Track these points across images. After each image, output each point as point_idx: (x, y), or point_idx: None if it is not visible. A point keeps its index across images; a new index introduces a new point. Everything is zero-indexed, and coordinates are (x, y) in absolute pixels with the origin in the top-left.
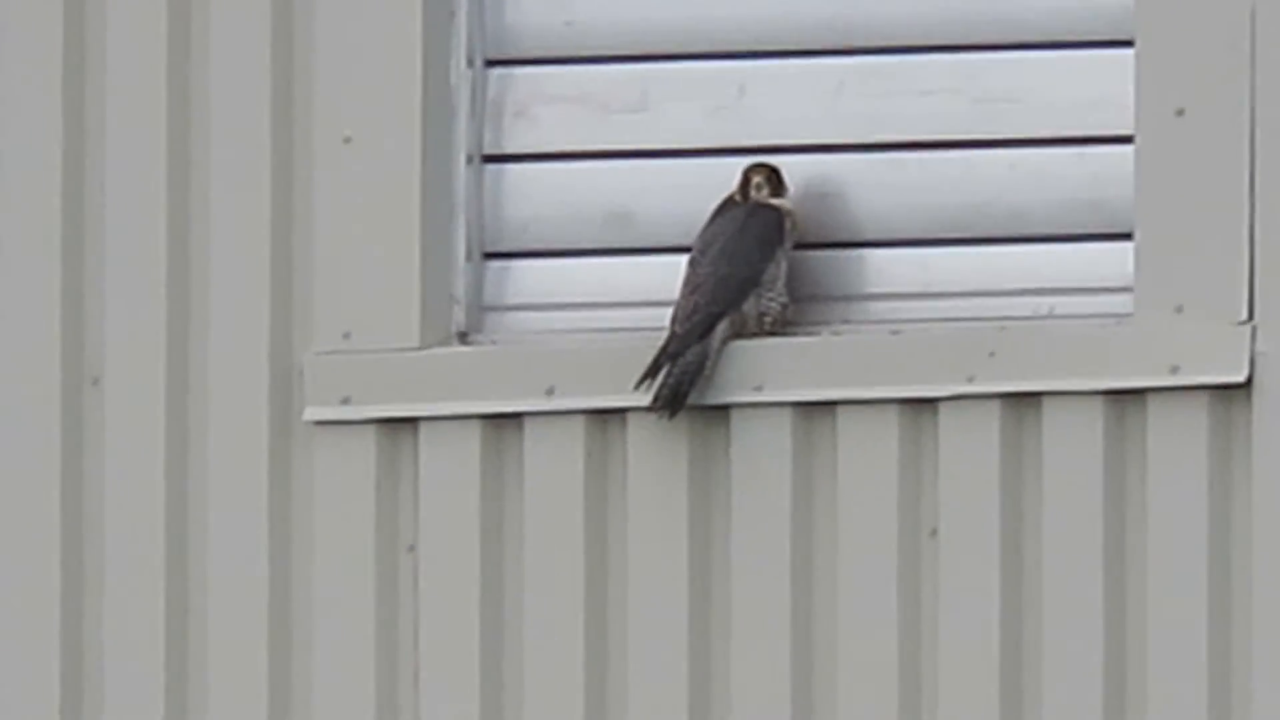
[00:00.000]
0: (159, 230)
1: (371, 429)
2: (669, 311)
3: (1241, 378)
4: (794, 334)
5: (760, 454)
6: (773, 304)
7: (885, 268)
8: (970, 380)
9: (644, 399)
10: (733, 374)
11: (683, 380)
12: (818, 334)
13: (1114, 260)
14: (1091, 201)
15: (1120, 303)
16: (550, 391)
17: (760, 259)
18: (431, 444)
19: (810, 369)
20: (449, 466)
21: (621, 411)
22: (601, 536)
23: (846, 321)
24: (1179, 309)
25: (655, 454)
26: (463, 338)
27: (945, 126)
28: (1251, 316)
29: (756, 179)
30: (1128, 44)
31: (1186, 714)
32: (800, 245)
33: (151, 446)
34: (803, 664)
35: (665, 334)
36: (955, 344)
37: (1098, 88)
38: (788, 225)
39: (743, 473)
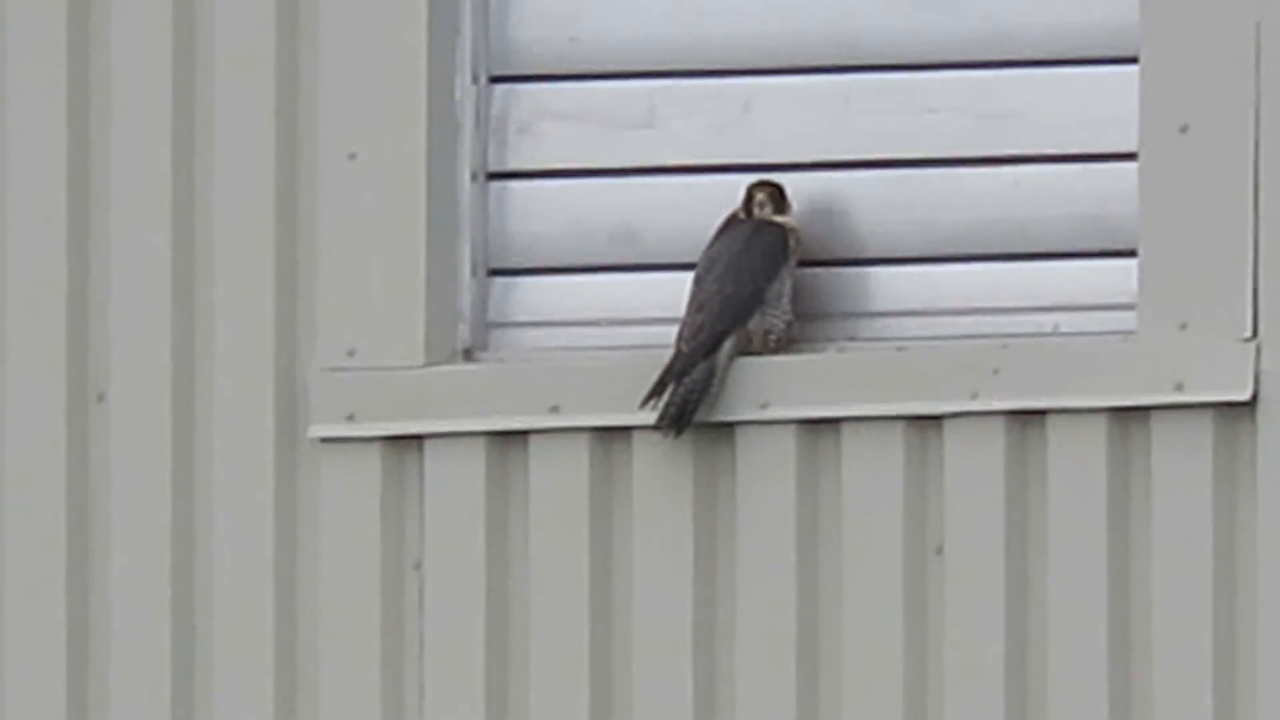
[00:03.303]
0: (164, 246)
1: (377, 446)
2: (675, 329)
3: (1246, 395)
4: (799, 351)
5: (765, 471)
6: (777, 321)
7: (890, 285)
8: (974, 397)
9: (650, 417)
10: (738, 391)
11: (689, 399)
12: (823, 351)
13: (1118, 277)
14: (1096, 218)
15: (1124, 320)
16: (555, 409)
17: (765, 276)
18: (437, 461)
19: (815, 386)
20: (454, 484)
21: (627, 429)
22: (606, 554)
23: (851, 339)
24: (1183, 326)
25: (660, 471)
26: (468, 355)
27: (950, 143)
28: (1256, 334)
29: (759, 196)
30: (1132, 61)
31: None
32: (805, 262)
33: (157, 462)
34: (808, 681)
35: (671, 352)
36: (959, 361)
37: (1102, 105)
38: (792, 242)
39: (748, 490)
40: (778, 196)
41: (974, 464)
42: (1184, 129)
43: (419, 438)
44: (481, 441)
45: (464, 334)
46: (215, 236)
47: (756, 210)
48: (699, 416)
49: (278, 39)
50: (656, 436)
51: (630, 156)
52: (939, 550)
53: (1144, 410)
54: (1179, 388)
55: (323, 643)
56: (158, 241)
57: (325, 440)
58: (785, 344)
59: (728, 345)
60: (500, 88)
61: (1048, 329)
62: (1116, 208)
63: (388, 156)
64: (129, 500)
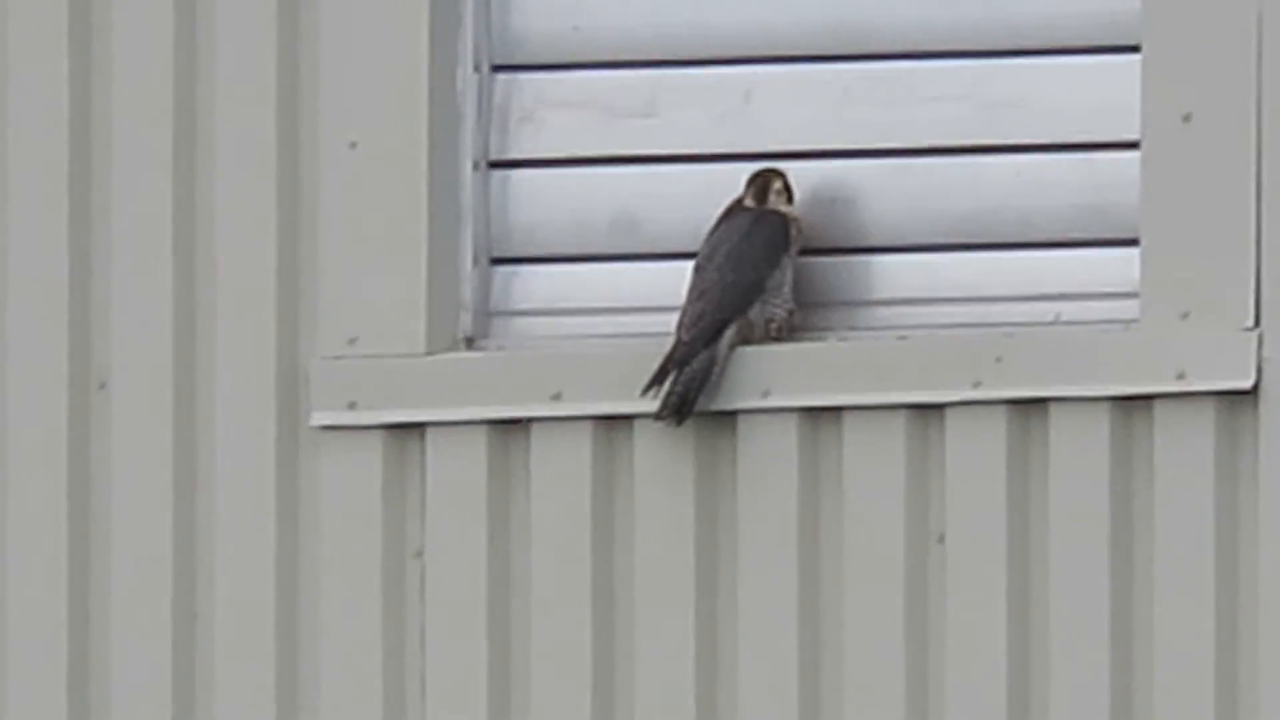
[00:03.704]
0: (165, 235)
1: (378, 434)
2: (676, 317)
3: (1248, 384)
4: (801, 340)
5: (767, 460)
6: (779, 310)
7: (891, 273)
8: (976, 386)
9: (651, 405)
10: (740, 380)
11: (690, 387)
12: (824, 340)
13: (1120, 266)
14: (1098, 207)
15: (1126, 309)
16: (557, 397)
17: (766, 265)
18: (438, 449)
19: (817, 375)
20: (456, 472)
21: (628, 417)
22: (608, 542)
23: (853, 327)
24: (1185, 315)
25: (662, 459)
26: (469, 343)
27: (951, 132)
28: (1258, 322)
29: (778, 184)
30: (1134, 50)
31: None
32: (806, 251)
33: (158, 451)
34: (810, 670)
35: (672, 340)
36: (961, 350)
37: (1104, 93)
38: (793, 231)
39: (749, 478)
40: (788, 185)
41: (976, 452)
42: (1186, 118)
43: (420, 426)
44: (483, 430)
45: (465, 322)
46: (217, 224)
47: (774, 198)
48: (700, 405)
49: (279, 27)
50: (658, 425)
51: (631, 145)
52: (940, 539)
53: (1146, 399)
54: (1181, 376)
55: (324, 631)
56: (159, 229)
57: (326, 428)
58: (786, 332)
59: (729, 334)
60: (502, 76)
61: (1049, 318)
62: (1118, 196)
63: (389, 145)
64: (130, 488)
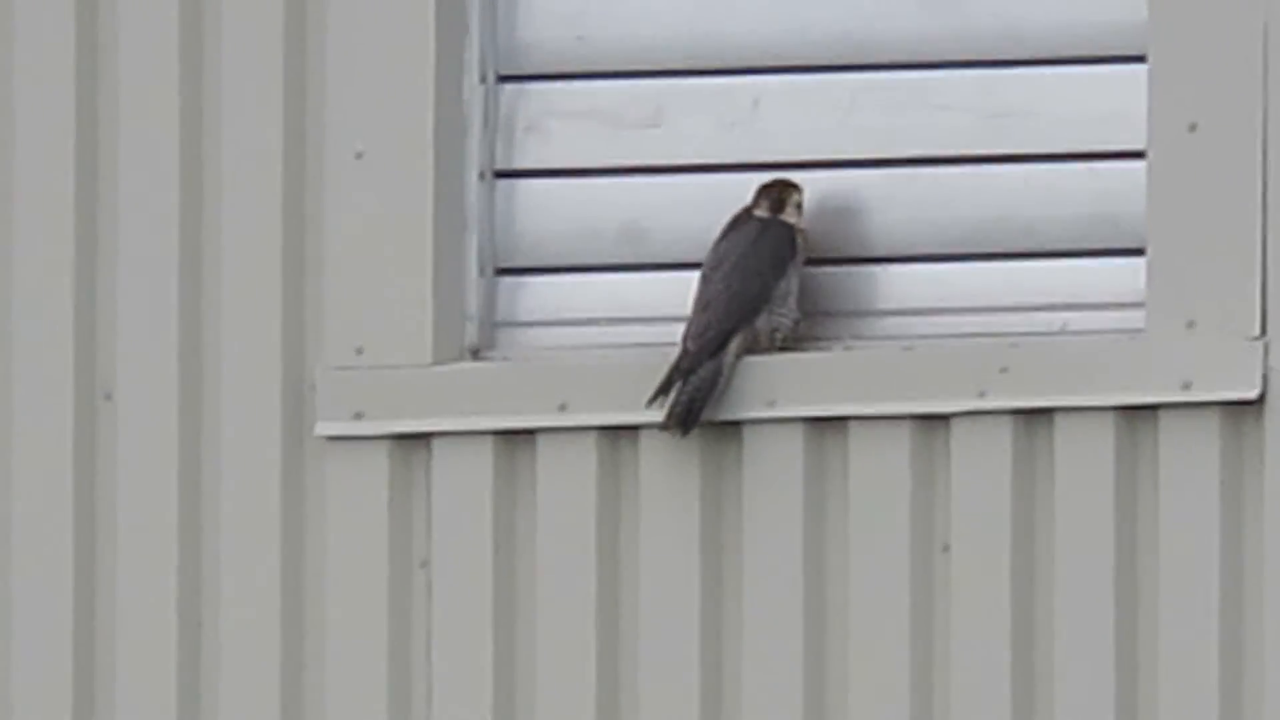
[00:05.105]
0: (171, 245)
1: (384, 445)
2: (682, 327)
3: (1254, 394)
4: (806, 350)
5: (772, 469)
6: (784, 320)
7: (898, 283)
8: (982, 396)
9: (657, 415)
10: (745, 389)
11: (696, 398)
12: (830, 350)
13: (1126, 276)
14: (1104, 217)
15: (1132, 318)
16: (563, 407)
17: (772, 275)
18: (444, 460)
19: (823, 385)
20: (461, 482)
21: (634, 428)
22: (614, 552)
23: (859, 337)
24: (1191, 325)
25: (668, 469)
26: (475, 353)
27: (958, 142)
28: (1264, 332)
29: (796, 198)
30: (1140, 59)
31: None
32: (813, 260)
33: (164, 461)
34: (815, 679)
35: (678, 350)
36: (967, 359)
37: (1110, 103)
38: (799, 241)
39: (755, 488)
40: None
41: (981, 462)
42: (1192, 127)
43: (426, 436)
44: (489, 440)
45: (471, 333)
46: (223, 234)
47: (790, 210)
48: (706, 415)
49: (285, 37)
50: (664, 435)
51: (638, 155)
52: (946, 548)
53: (1152, 409)
54: (1187, 386)
55: (330, 641)
56: (165, 239)
57: (332, 438)
58: (792, 342)
59: (734, 344)
60: (508, 86)
61: (1056, 327)
62: (1125, 206)
63: (395, 155)
64: (136, 498)
